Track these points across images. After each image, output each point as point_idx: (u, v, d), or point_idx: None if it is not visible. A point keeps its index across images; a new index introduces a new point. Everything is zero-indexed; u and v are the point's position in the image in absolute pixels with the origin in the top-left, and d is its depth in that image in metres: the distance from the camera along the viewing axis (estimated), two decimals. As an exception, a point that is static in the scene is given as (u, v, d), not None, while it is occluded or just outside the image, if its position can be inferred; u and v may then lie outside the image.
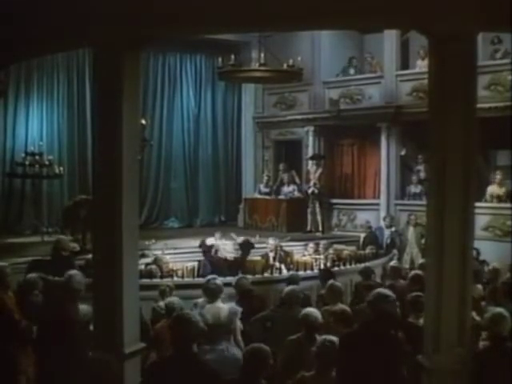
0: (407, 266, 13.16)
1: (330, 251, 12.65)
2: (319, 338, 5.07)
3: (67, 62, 15.63)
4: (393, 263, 10.10)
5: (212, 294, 6.60)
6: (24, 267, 9.53)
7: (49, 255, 10.37)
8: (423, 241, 12.93)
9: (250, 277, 8.83)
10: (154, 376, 4.55)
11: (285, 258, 11.78)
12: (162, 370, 4.52)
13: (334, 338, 4.88)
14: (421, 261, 12.50)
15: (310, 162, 16.28)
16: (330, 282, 7.39)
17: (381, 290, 5.30)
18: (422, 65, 14.26)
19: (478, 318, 5.98)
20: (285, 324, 6.41)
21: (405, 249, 14.08)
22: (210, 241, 11.78)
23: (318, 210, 15.82)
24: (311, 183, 15.80)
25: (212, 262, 10.99)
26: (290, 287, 7.16)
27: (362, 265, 10.54)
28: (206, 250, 11.33)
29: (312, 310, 5.91)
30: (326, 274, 8.88)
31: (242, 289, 7.79)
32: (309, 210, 15.86)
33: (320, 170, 15.92)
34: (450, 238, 4.98)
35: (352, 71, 16.58)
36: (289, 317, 6.46)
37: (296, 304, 6.81)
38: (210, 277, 6.99)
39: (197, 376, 4.41)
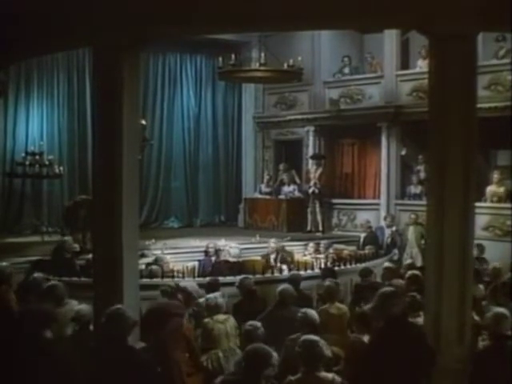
0: (407, 265, 13.17)
1: (330, 251, 12.65)
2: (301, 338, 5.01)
3: (67, 62, 15.61)
4: (386, 264, 10.08)
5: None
6: (24, 267, 9.58)
7: (49, 255, 10.42)
8: (423, 241, 12.95)
9: (250, 277, 8.82)
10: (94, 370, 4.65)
11: (287, 258, 11.76)
12: (100, 363, 4.61)
13: (316, 338, 4.87)
14: (409, 261, 12.59)
15: (311, 162, 16.27)
16: (327, 282, 7.41)
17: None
18: (423, 64, 14.23)
19: (477, 318, 5.96)
20: (282, 324, 6.40)
21: (405, 248, 14.07)
22: (215, 244, 11.73)
23: (318, 209, 15.80)
24: (311, 183, 15.78)
25: (213, 263, 11.02)
26: (284, 286, 7.11)
27: (363, 265, 10.56)
28: (210, 252, 11.34)
29: (310, 310, 5.92)
30: (327, 273, 8.89)
31: (246, 289, 7.78)
32: (309, 210, 15.84)
33: (320, 170, 15.90)
34: (450, 238, 4.98)
35: (347, 70, 16.57)
36: (285, 316, 6.45)
37: (291, 303, 6.81)
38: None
39: (133, 368, 4.53)
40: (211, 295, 7.07)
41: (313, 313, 5.84)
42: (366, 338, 5.76)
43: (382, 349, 4.81)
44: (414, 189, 15.05)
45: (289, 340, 5.64)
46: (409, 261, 12.77)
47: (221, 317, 6.69)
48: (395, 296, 5.08)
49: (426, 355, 4.79)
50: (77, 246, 11.28)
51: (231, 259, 11.37)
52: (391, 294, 5.08)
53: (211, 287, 7.78)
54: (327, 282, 7.39)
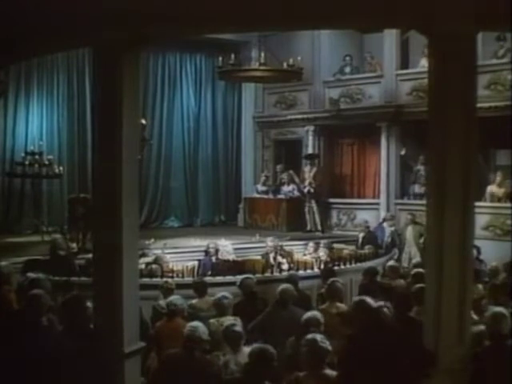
0: (406, 264, 13.20)
1: (329, 251, 12.64)
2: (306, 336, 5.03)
3: (67, 61, 15.62)
4: (390, 263, 10.09)
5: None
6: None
7: (47, 255, 10.42)
8: (421, 240, 12.97)
9: (252, 276, 8.80)
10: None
11: (286, 256, 11.77)
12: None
13: (320, 336, 4.88)
14: (415, 260, 12.61)
15: (306, 162, 16.28)
16: (331, 280, 7.40)
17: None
18: (425, 63, 14.21)
19: (475, 317, 5.94)
20: (281, 324, 6.39)
21: (403, 248, 14.09)
22: (215, 244, 11.73)
23: (315, 209, 15.79)
24: (306, 183, 15.79)
25: (213, 263, 11.02)
26: (284, 286, 7.09)
27: (362, 264, 10.56)
28: (210, 252, 11.33)
29: (314, 313, 5.93)
30: (327, 273, 8.89)
31: (248, 290, 7.77)
32: (306, 210, 15.84)
33: (315, 170, 15.88)
34: (449, 238, 4.97)
35: (348, 69, 16.57)
36: (284, 316, 6.45)
37: (291, 302, 6.80)
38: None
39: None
40: (220, 295, 7.02)
41: (317, 314, 5.86)
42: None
43: (378, 348, 4.82)
44: (418, 189, 14.99)
45: (291, 341, 5.64)
46: (416, 259, 12.84)
47: (228, 319, 6.55)
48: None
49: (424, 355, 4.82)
50: (75, 246, 11.29)
51: (228, 257, 11.36)
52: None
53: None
54: (331, 280, 7.37)
